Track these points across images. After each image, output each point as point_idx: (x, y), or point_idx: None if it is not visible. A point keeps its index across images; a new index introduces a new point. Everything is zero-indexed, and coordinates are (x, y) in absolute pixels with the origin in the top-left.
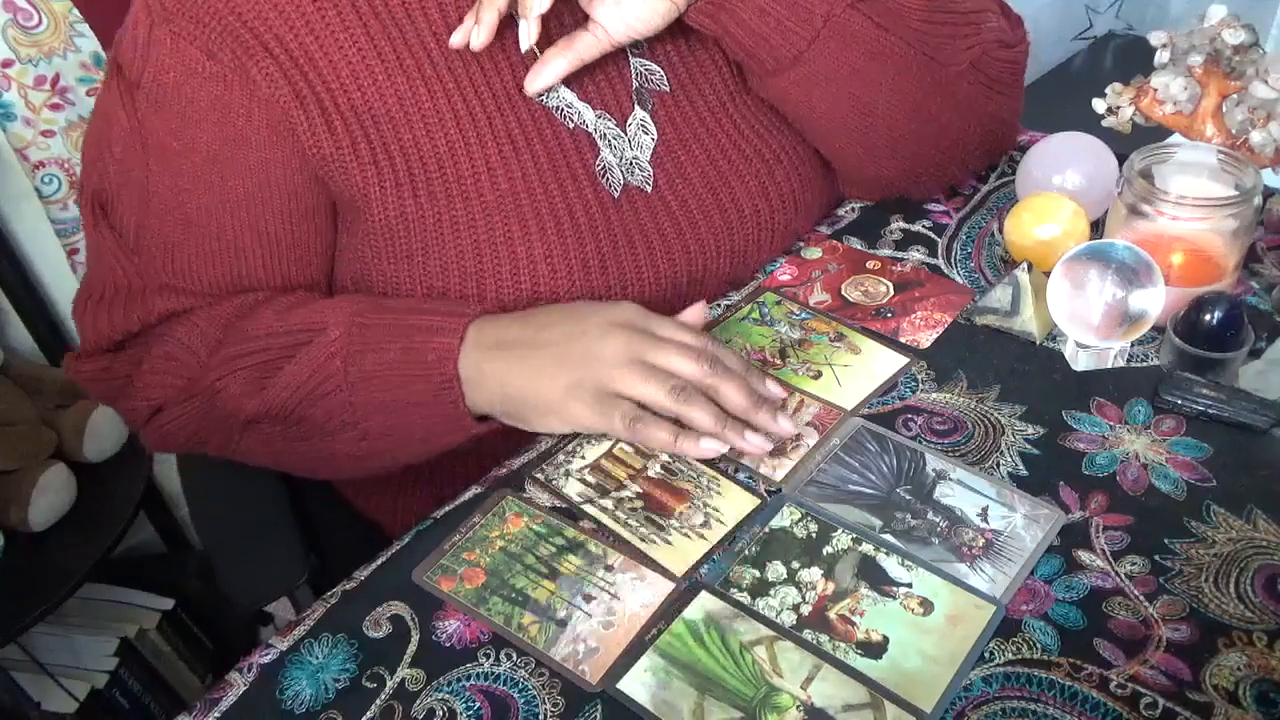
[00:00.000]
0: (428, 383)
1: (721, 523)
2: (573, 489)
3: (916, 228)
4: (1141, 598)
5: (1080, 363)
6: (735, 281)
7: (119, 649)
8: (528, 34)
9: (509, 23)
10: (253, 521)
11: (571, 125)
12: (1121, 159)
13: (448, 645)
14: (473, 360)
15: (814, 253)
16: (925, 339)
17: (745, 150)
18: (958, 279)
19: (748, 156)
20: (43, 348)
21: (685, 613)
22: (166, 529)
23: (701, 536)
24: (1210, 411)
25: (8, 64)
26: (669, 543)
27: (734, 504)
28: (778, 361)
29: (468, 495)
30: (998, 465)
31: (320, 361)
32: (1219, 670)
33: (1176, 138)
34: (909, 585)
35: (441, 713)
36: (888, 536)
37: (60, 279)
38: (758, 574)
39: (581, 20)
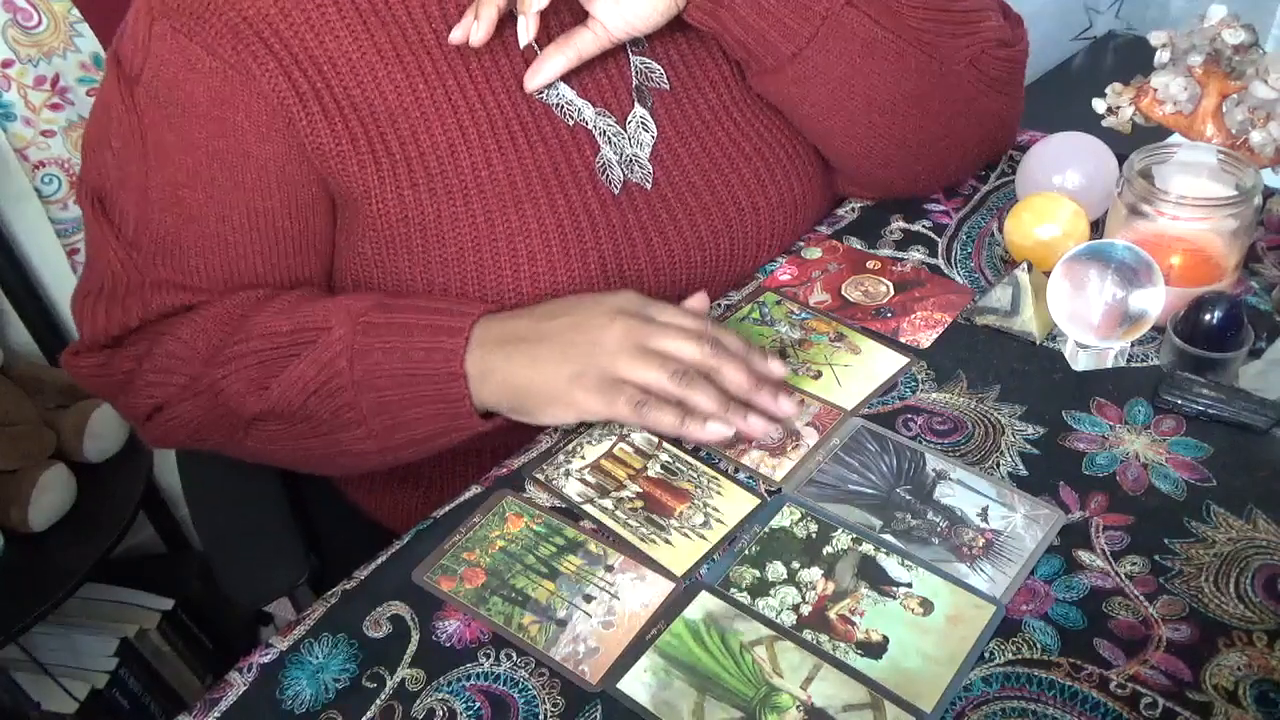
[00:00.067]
0: (434, 381)
1: (721, 523)
2: (573, 489)
3: (916, 228)
4: (1141, 598)
5: (1080, 363)
6: (735, 281)
7: (119, 649)
8: (526, 30)
9: (509, 19)
10: (253, 521)
11: (571, 122)
12: (1121, 159)
13: (448, 645)
14: (478, 357)
15: (814, 253)
16: (925, 339)
17: (745, 149)
18: (958, 279)
19: (747, 155)
20: (43, 348)
21: (685, 613)
22: (166, 529)
23: (701, 536)
24: (1210, 411)
25: (8, 64)
26: (669, 543)
27: (734, 504)
28: None
29: (468, 495)
30: (998, 465)
31: (326, 360)
32: (1219, 670)
33: (1176, 138)
34: (909, 585)
35: (441, 713)
36: (888, 536)
37: (60, 279)
38: (758, 574)
39: (581, 17)
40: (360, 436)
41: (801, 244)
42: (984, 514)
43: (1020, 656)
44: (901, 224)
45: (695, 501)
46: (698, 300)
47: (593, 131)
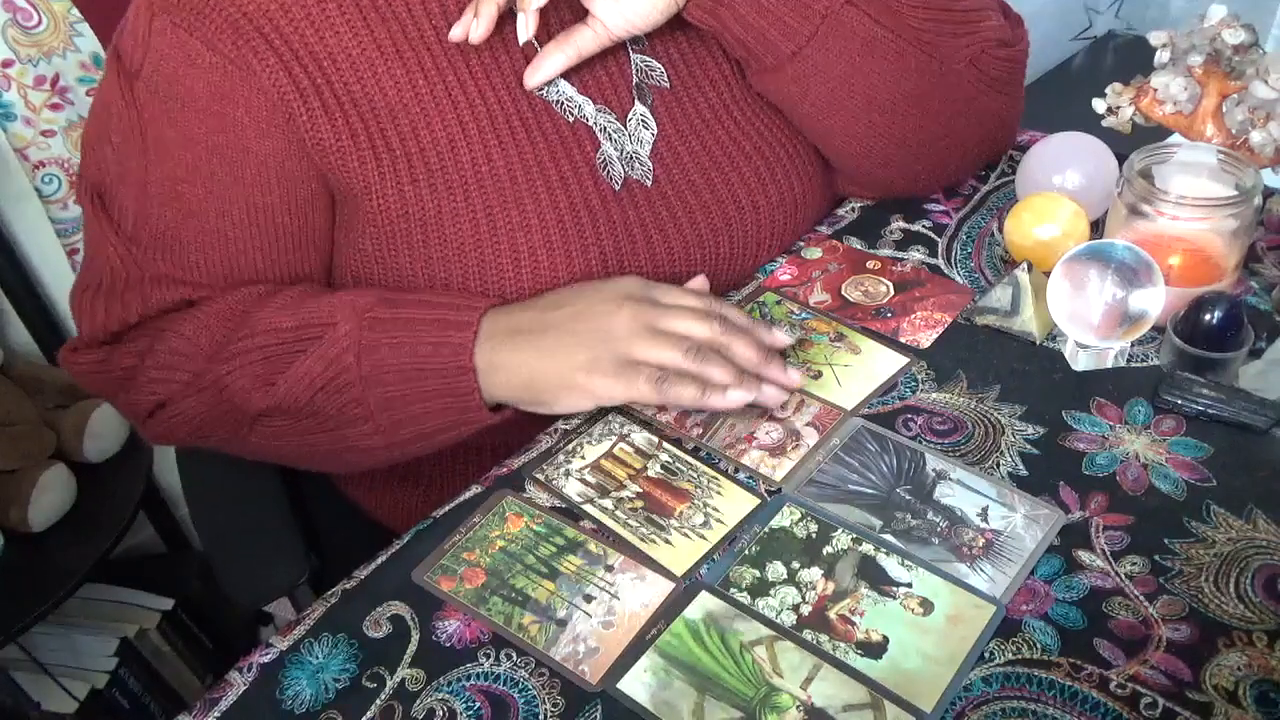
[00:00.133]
0: (443, 376)
1: (721, 523)
2: (573, 489)
3: (916, 228)
4: (1141, 598)
5: (1080, 363)
6: (735, 280)
7: (119, 649)
8: (525, 28)
9: (509, 15)
10: (253, 521)
11: (571, 118)
12: (1121, 159)
13: (448, 645)
14: (487, 350)
15: (814, 253)
16: (925, 339)
17: (745, 147)
18: (958, 279)
19: (747, 154)
20: (43, 348)
21: (685, 613)
22: (166, 529)
23: (701, 536)
24: (1210, 411)
25: (8, 64)
26: (669, 543)
27: (734, 504)
28: None
29: (468, 495)
30: (998, 465)
31: (333, 356)
32: (1219, 670)
33: (1176, 138)
34: (909, 585)
35: (441, 713)
36: (888, 536)
37: (60, 279)
38: (758, 574)
39: (582, 14)
40: (367, 432)
41: (801, 244)
42: (984, 514)
43: (1020, 656)
44: (901, 224)
45: (695, 501)
46: (698, 282)
47: (593, 128)
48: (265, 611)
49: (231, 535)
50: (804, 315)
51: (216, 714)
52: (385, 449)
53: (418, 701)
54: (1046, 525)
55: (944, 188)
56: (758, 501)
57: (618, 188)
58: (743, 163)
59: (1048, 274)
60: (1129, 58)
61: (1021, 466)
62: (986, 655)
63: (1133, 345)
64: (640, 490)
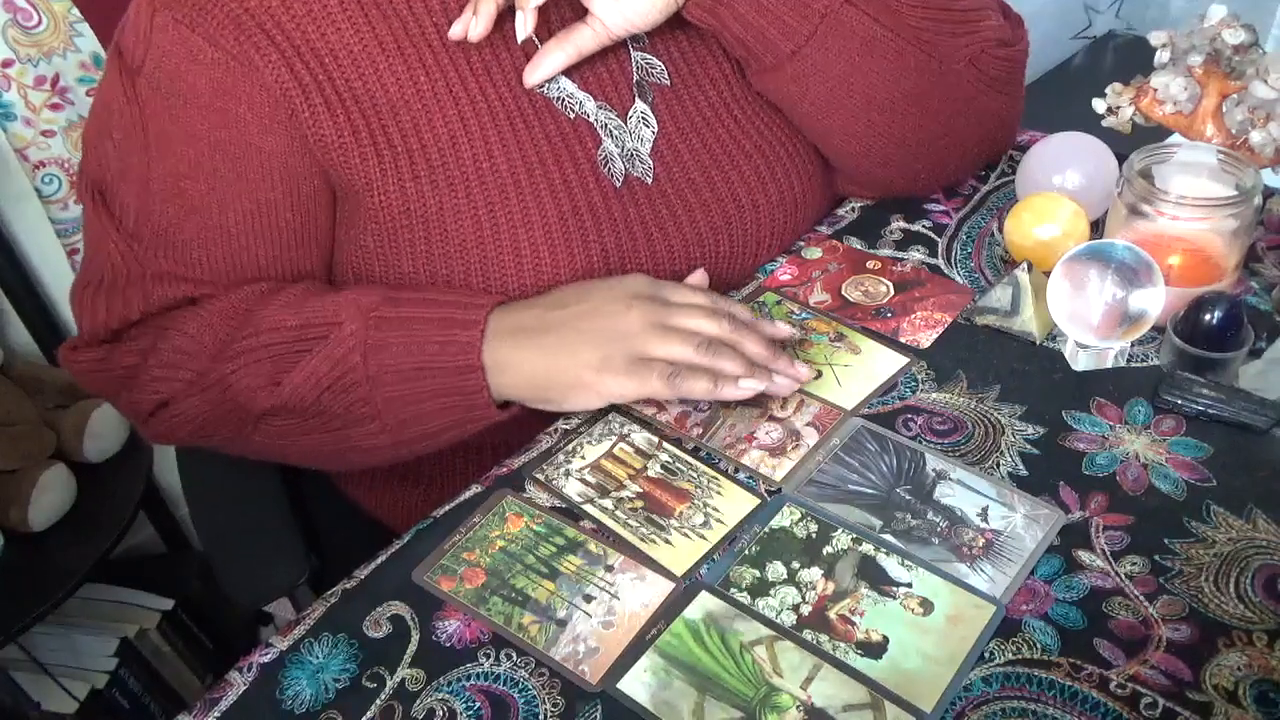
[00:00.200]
0: (450, 375)
1: (721, 523)
2: (573, 489)
3: (916, 228)
4: (1141, 598)
5: (1080, 363)
6: (735, 278)
7: (119, 649)
8: (524, 25)
9: (511, 12)
10: (253, 521)
11: (572, 115)
12: (1121, 159)
13: (448, 645)
14: (494, 348)
15: (814, 253)
16: (925, 339)
17: (745, 146)
18: (958, 279)
19: (747, 152)
20: (43, 348)
21: (685, 613)
22: (166, 529)
23: (701, 536)
24: (1210, 411)
25: (8, 64)
26: (669, 543)
27: (734, 504)
28: None
29: (468, 494)
30: (998, 465)
31: (339, 356)
32: (1219, 670)
33: (1176, 138)
34: (909, 585)
35: (441, 713)
36: (888, 536)
37: (60, 279)
38: (758, 574)
39: (582, 12)
40: (374, 431)
41: (801, 244)
42: (984, 514)
43: (1020, 656)
44: (901, 224)
45: (695, 501)
46: (698, 277)
47: (594, 125)
48: (265, 611)
49: (231, 535)
50: (804, 315)
51: (216, 714)
52: (391, 447)
53: (418, 701)
54: (1046, 525)
55: (944, 187)
56: (758, 501)
57: (618, 185)
58: (743, 161)
59: (1048, 274)
60: (1129, 58)
61: (1021, 466)
62: (986, 655)
63: (1133, 345)
64: (640, 490)
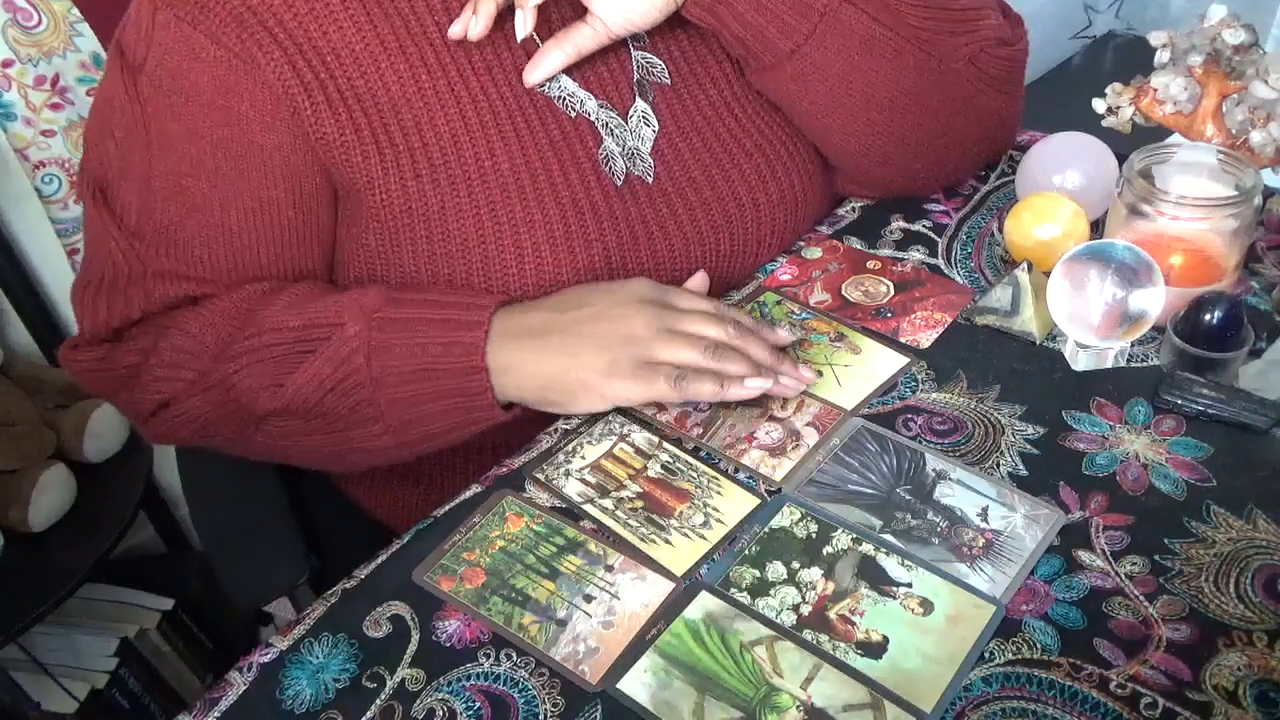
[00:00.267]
0: (455, 376)
1: (721, 523)
2: (573, 489)
3: (917, 228)
4: (1141, 598)
5: (1080, 363)
6: (735, 277)
7: (119, 649)
8: (524, 24)
9: (512, 11)
10: (253, 521)
11: (573, 114)
12: (1121, 159)
13: (448, 645)
14: (498, 350)
15: (814, 252)
16: (925, 339)
17: (745, 145)
18: (958, 279)
19: (748, 151)
20: (43, 348)
21: (685, 613)
22: (166, 529)
23: (701, 536)
24: (1210, 411)
25: (8, 64)
26: (669, 543)
27: (734, 504)
28: None
29: (468, 494)
30: (998, 465)
31: (343, 357)
32: (1219, 670)
33: (1176, 138)
34: (909, 585)
35: (441, 713)
36: (888, 536)
37: (60, 279)
38: (758, 574)
39: (583, 11)
40: (377, 433)
41: (802, 244)
42: (984, 514)
43: (1020, 656)
44: (901, 224)
45: (695, 501)
46: (698, 279)
47: (595, 124)
48: (265, 611)
49: (231, 535)
50: (804, 315)
51: (216, 714)
52: (394, 448)
53: (418, 701)
54: (1046, 525)
55: (944, 187)
56: (758, 501)
57: (619, 184)
58: (743, 160)
59: (1048, 274)
60: (1129, 57)
61: (1021, 466)
62: (986, 655)
63: (1133, 345)
64: (640, 490)
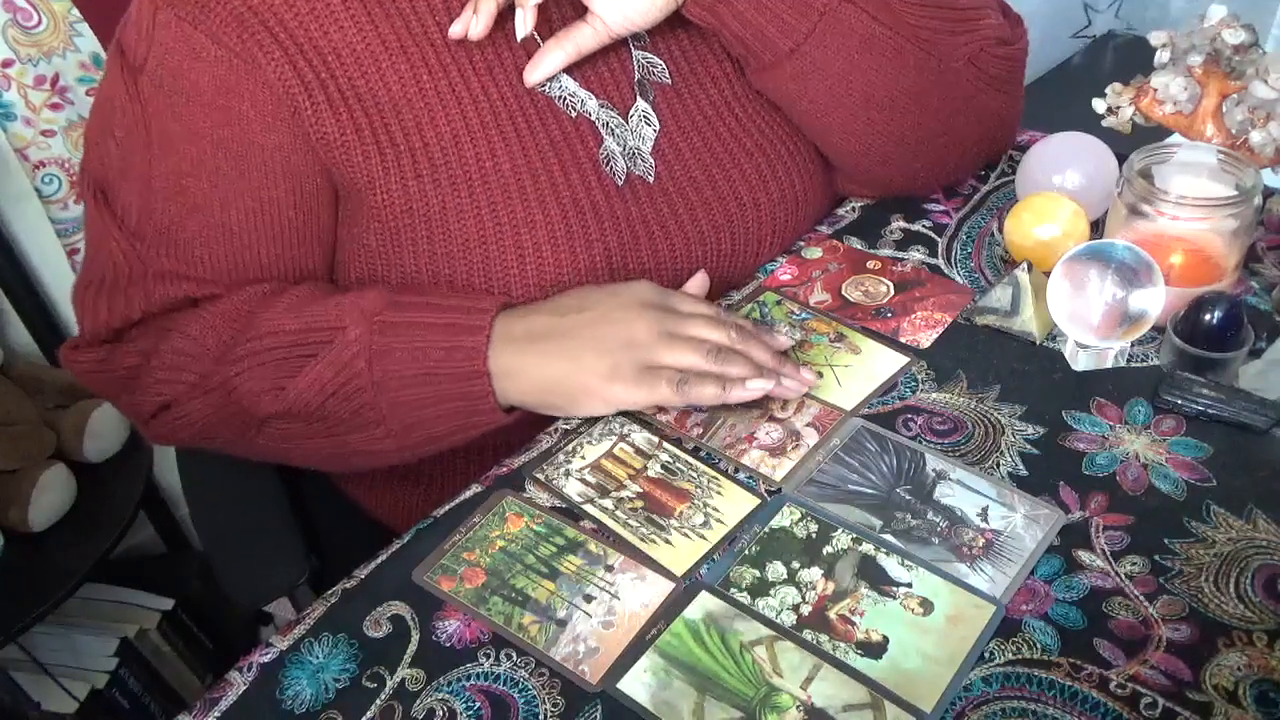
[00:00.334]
0: (457, 380)
1: (721, 523)
2: (573, 489)
3: (917, 228)
4: (1141, 598)
5: (1080, 363)
6: (736, 277)
7: (119, 649)
8: (524, 24)
9: (513, 11)
10: (253, 521)
11: (574, 114)
12: (1121, 159)
13: (448, 645)
14: (500, 354)
15: (814, 252)
16: (925, 339)
17: (746, 144)
18: (958, 279)
19: (748, 150)
20: (42, 348)
21: (685, 613)
22: (166, 529)
23: (701, 536)
24: (1210, 411)
25: (8, 64)
26: (669, 543)
27: (734, 504)
28: None
29: (468, 494)
30: (998, 465)
31: (344, 361)
32: (1219, 670)
33: (1176, 138)
34: (909, 585)
35: (441, 713)
36: (888, 536)
37: (60, 279)
38: (758, 574)
39: (583, 10)
40: (379, 436)
41: (802, 244)
42: (984, 514)
43: (1020, 656)
44: (902, 224)
45: (695, 501)
46: (698, 280)
47: (596, 123)
48: (265, 611)
49: (231, 535)
50: (804, 315)
51: (216, 714)
52: (395, 451)
53: (418, 701)
54: (1046, 525)
55: (943, 186)
56: (758, 501)
57: (620, 183)
58: (744, 160)
59: (1048, 274)
60: (1129, 57)
61: (1021, 466)
62: (986, 655)
63: (1133, 345)
64: (640, 490)
